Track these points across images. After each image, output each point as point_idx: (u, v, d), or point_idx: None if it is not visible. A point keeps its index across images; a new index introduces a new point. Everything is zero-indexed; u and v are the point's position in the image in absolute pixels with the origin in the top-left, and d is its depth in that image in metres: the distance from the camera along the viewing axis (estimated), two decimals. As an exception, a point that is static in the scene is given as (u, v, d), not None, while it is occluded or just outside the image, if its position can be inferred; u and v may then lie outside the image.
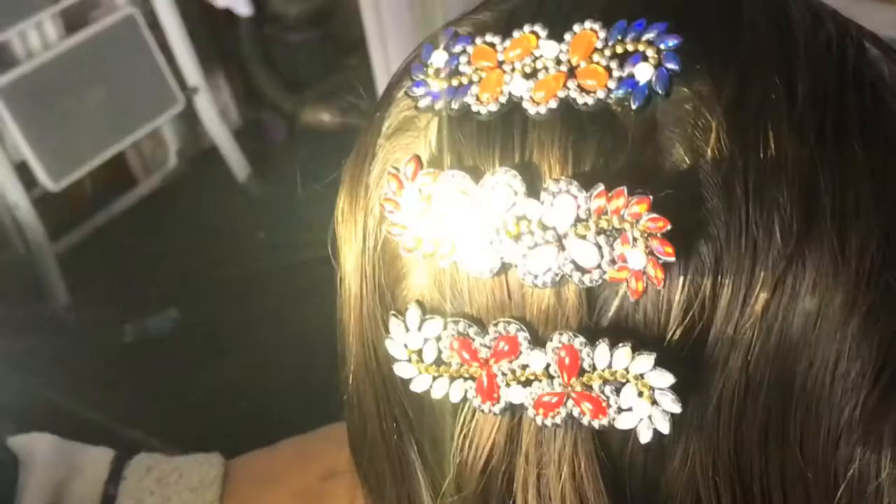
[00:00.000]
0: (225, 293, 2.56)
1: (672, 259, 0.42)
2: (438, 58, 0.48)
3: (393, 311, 0.48)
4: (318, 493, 0.72)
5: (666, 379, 0.43)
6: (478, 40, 0.47)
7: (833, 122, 0.44)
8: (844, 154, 0.44)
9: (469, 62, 0.47)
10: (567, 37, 0.45)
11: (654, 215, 0.42)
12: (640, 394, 0.44)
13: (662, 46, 0.43)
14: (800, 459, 0.46)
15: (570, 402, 0.45)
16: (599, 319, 0.44)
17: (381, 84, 2.06)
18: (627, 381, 0.44)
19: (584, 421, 0.45)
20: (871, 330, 0.45)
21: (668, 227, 0.42)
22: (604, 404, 0.44)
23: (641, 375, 0.43)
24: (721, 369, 0.44)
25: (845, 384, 0.45)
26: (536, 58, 0.45)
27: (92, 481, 0.73)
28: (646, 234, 0.42)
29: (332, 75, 3.09)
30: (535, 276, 0.44)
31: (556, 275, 0.43)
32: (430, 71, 0.48)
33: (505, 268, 0.45)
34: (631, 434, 0.44)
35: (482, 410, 0.46)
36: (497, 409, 0.46)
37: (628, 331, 0.44)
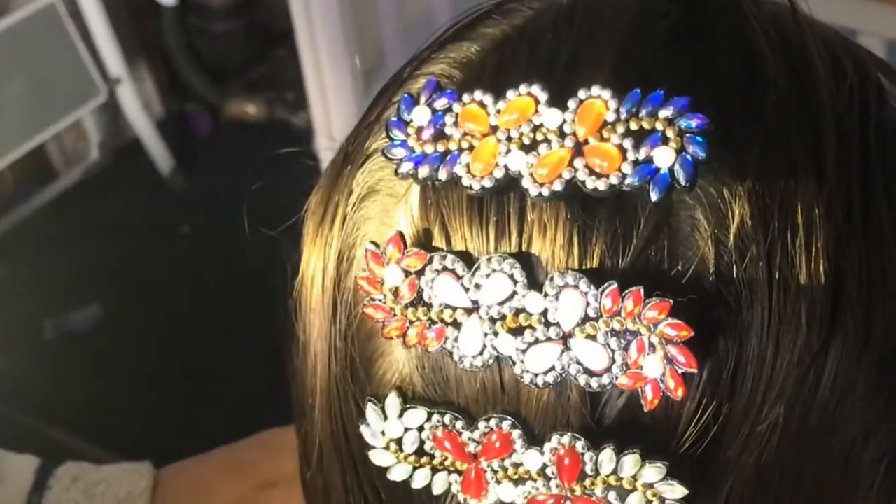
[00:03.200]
0: (149, 288, 2.48)
1: (694, 371, 0.38)
2: (420, 115, 0.42)
3: (370, 397, 0.43)
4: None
5: (678, 491, 0.40)
6: (465, 97, 0.42)
7: (860, 194, 0.41)
8: (871, 228, 0.41)
9: (456, 124, 0.42)
10: (571, 104, 0.40)
11: (675, 321, 0.38)
12: (649, 503, 0.40)
13: (684, 127, 0.39)
14: None
15: (568, 506, 0.41)
16: (603, 418, 0.40)
17: (309, 76, 1.97)
18: (634, 489, 0.40)
19: (584, 527, 0.41)
20: (892, 415, 0.42)
21: (691, 335, 0.38)
22: (607, 510, 0.41)
23: (651, 485, 0.40)
24: (732, 469, 0.41)
25: (860, 471, 0.43)
26: (537, 126, 0.40)
27: (16, 492, 0.68)
28: (664, 341, 0.38)
29: (259, 66, 2.98)
30: (535, 375, 0.40)
31: (560, 375, 0.39)
32: (411, 130, 0.42)
33: (500, 362, 0.40)
34: None
35: None
36: (485, 505, 0.42)
37: (635, 431, 0.40)
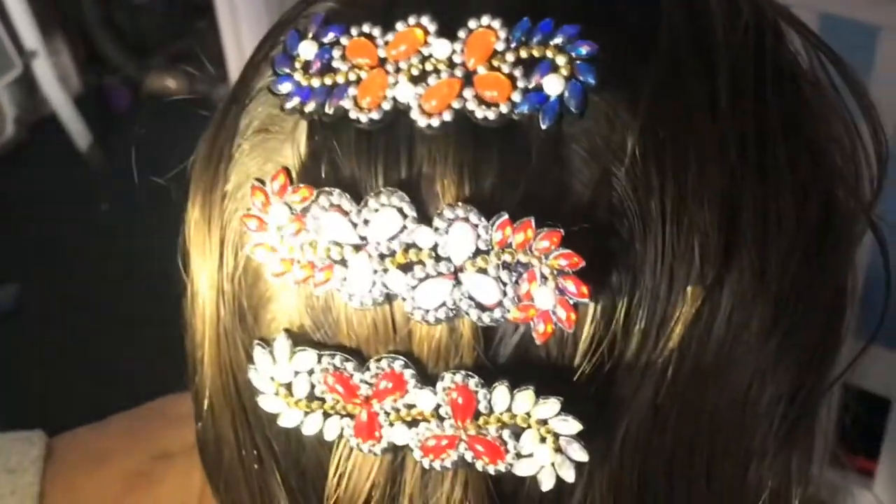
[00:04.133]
0: (68, 266, 2.40)
1: (587, 300, 0.37)
2: (307, 49, 0.41)
3: (258, 340, 0.42)
4: (150, 475, 0.66)
5: (572, 426, 0.39)
6: (353, 30, 0.41)
7: (755, 130, 0.41)
8: (766, 164, 0.41)
9: (344, 57, 0.40)
10: (461, 34, 0.39)
11: (566, 251, 0.37)
12: (543, 440, 0.39)
13: (575, 55, 0.38)
14: (705, 490, 0.43)
15: (463, 446, 0.40)
16: (496, 356, 0.39)
17: (230, 50, 1.93)
18: (529, 426, 0.39)
19: (478, 466, 0.40)
20: (789, 353, 0.42)
21: (582, 264, 0.37)
22: (501, 449, 0.40)
23: (545, 421, 0.39)
24: (628, 406, 0.40)
25: (758, 409, 0.43)
26: (425, 57, 0.39)
27: None
28: (556, 272, 0.37)
29: (179, 40, 2.90)
30: (426, 312, 0.39)
31: (451, 310, 0.39)
32: (298, 65, 0.41)
33: (390, 299, 0.39)
34: (529, 478, 0.40)
35: (361, 450, 0.41)
36: (378, 449, 0.41)
37: (529, 368, 0.39)
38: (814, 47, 0.47)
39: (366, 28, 0.40)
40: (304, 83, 0.41)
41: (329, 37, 0.41)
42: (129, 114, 2.86)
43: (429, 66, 0.39)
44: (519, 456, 0.40)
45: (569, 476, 0.39)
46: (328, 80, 0.40)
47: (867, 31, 1.11)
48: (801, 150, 0.43)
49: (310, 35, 0.41)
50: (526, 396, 0.39)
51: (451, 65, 0.39)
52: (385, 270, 0.39)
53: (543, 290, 0.38)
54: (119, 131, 2.77)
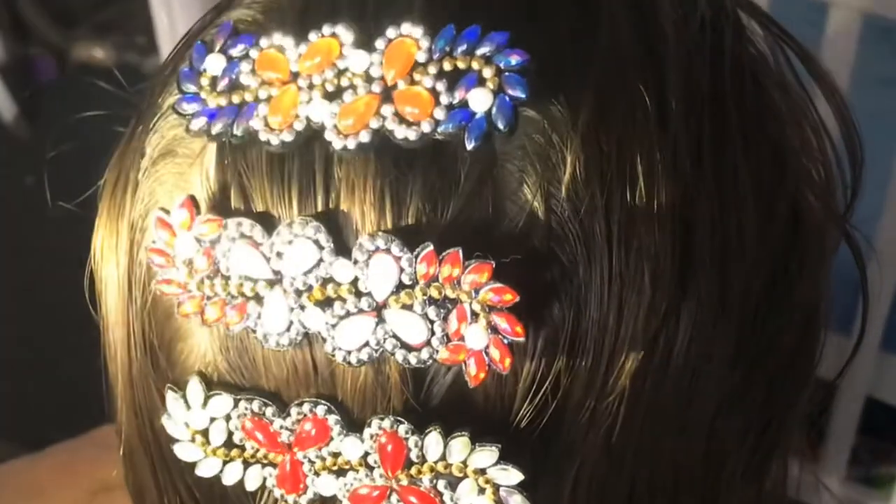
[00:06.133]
0: None
1: (522, 339, 0.34)
2: (214, 63, 0.37)
3: (169, 384, 0.38)
4: None
5: (513, 476, 0.35)
6: (263, 41, 0.37)
7: (711, 138, 0.37)
8: (724, 176, 0.37)
9: (253, 71, 0.37)
10: (379, 44, 0.35)
11: (498, 285, 0.33)
12: (482, 491, 0.36)
13: (503, 65, 0.34)
14: None
15: (395, 497, 0.37)
16: (429, 399, 0.36)
17: (159, 19, 1.88)
18: (465, 475, 0.36)
19: (413, 518, 0.37)
20: (756, 383, 0.38)
21: (516, 300, 0.33)
22: (437, 501, 0.36)
23: (483, 471, 0.36)
24: (579, 448, 0.36)
25: (724, 445, 0.39)
26: (341, 71, 0.35)
27: None
28: (487, 308, 0.34)
29: (107, 8, 2.84)
30: (348, 352, 0.35)
31: (375, 350, 0.35)
32: (205, 81, 0.37)
33: (309, 339, 0.36)
34: None
35: (286, 501, 0.38)
36: (304, 500, 0.38)
37: (465, 412, 0.36)
38: (779, 41, 0.43)
39: (277, 39, 0.36)
40: (211, 101, 0.37)
41: (238, 49, 0.37)
42: (56, 85, 2.78)
43: (344, 81, 0.35)
44: (456, 508, 0.36)
45: None
46: (236, 98, 0.37)
47: (817, 8, 1.07)
48: (765, 159, 0.39)
49: (217, 47, 0.38)
50: (461, 444, 0.35)
51: (369, 79, 0.35)
52: (302, 307, 0.35)
53: (474, 328, 0.34)
54: (45, 103, 2.71)
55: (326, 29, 0.36)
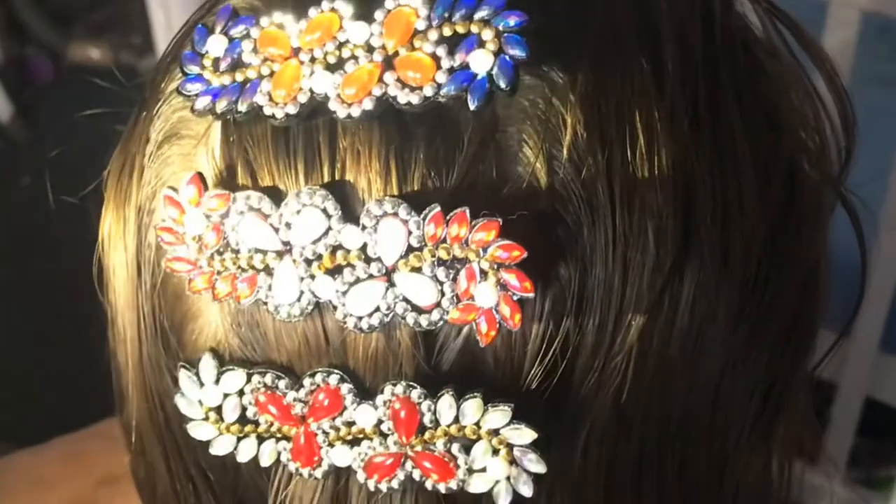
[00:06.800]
0: None
1: (531, 295, 0.34)
2: (216, 44, 0.38)
3: (182, 362, 0.39)
4: (94, 501, 0.63)
5: (526, 435, 0.36)
6: (263, 21, 0.37)
7: (707, 101, 0.37)
8: (722, 138, 0.37)
9: (255, 50, 0.37)
10: (378, 15, 0.36)
11: (506, 241, 0.34)
12: (496, 452, 0.36)
13: (502, 27, 0.35)
14: (678, 498, 0.40)
15: (410, 464, 0.37)
16: (440, 363, 0.36)
17: (156, 18, 1.89)
18: (479, 437, 0.36)
19: (428, 485, 0.37)
20: (759, 343, 0.39)
21: (524, 255, 0.34)
22: (451, 465, 0.36)
23: (496, 431, 0.36)
24: (589, 409, 0.37)
25: (730, 407, 0.39)
26: (342, 44, 0.36)
27: None
28: (496, 266, 0.34)
29: (103, 8, 2.85)
30: (360, 319, 0.35)
31: (386, 315, 0.35)
32: (207, 62, 0.38)
33: (320, 308, 0.36)
34: (485, 496, 0.37)
35: (301, 475, 0.38)
36: (319, 472, 0.38)
37: (476, 375, 0.36)
38: (767, 13, 0.44)
39: (277, 17, 0.37)
40: (214, 81, 0.37)
41: (238, 29, 0.38)
42: (52, 85, 2.78)
43: (346, 53, 0.36)
44: (471, 471, 0.36)
45: (526, 490, 0.36)
46: (239, 76, 0.37)
47: (816, 6, 1.08)
48: (760, 122, 0.39)
49: (218, 29, 0.38)
50: (474, 405, 0.36)
51: (370, 49, 0.36)
52: (312, 276, 0.36)
53: (484, 286, 0.34)
54: (42, 103, 2.69)
55: (325, 4, 0.36)
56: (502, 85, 0.34)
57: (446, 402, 0.36)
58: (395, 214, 0.34)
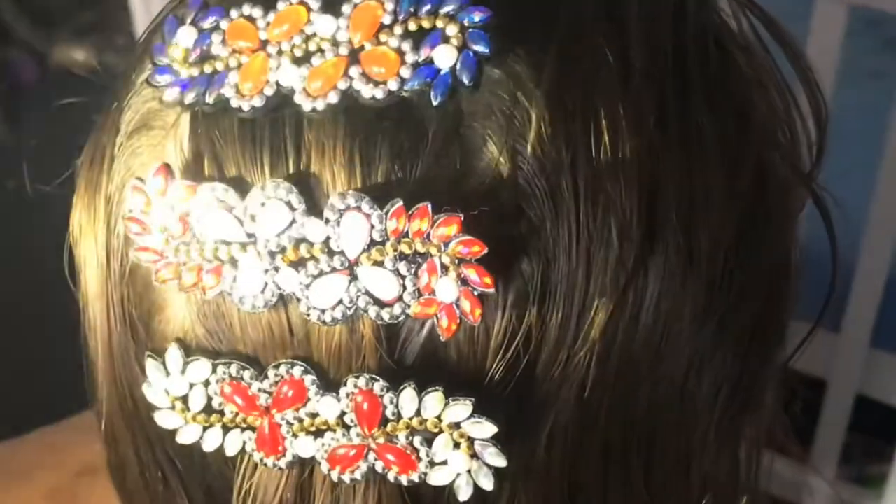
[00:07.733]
0: None
1: (491, 290, 0.34)
2: (185, 36, 0.38)
3: (149, 352, 0.39)
4: (73, 492, 0.63)
5: (487, 429, 0.36)
6: (233, 12, 0.38)
7: (675, 97, 0.37)
8: (689, 133, 0.38)
9: (224, 42, 0.37)
10: (345, 9, 0.36)
11: (467, 237, 0.34)
12: (457, 445, 0.36)
13: (466, 22, 0.35)
14: (644, 493, 0.40)
15: (372, 456, 0.37)
16: (403, 357, 0.36)
17: (138, 20, 1.89)
18: (441, 431, 0.36)
19: (390, 476, 0.37)
20: (726, 339, 0.39)
21: (485, 251, 0.34)
22: (413, 458, 0.37)
23: (457, 425, 0.36)
24: (552, 405, 0.37)
25: (696, 401, 0.39)
26: (309, 37, 0.36)
27: None
28: (457, 261, 0.34)
29: (86, 10, 2.84)
30: (322, 312, 0.36)
31: (348, 309, 0.35)
32: (177, 53, 0.38)
33: (284, 300, 0.36)
34: (447, 488, 0.37)
35: (265, 465, 0.38)
36: (283, 462, 0.38)
37: (439, 369, 0.36)
38: (742, 7, 0.44)
39: (246, 9, 0.37)
40: (184, 72, 0.38)
41: (209, 21, 0.38)
42: (36, 87, 2.77)
43: (312, 46, 0.36)
44: (433, 464, 0.37)
45: (487, 484, 0.36)
46: (208, 68, 0.37)
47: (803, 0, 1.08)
48: (729, 117, 0.39)
49: (188, 21, 0.38)
50: (435, 399, 0.36)
51: (336, 43, 0.36)
52: (276, 269, 0.36)
53: (445, 281, 0.34)
54: (26, 105, 2.69)
55: None
56: (465, 80, 0.34)
57: (408, 396, 0.36)
58: (359, 208, 0.35)
